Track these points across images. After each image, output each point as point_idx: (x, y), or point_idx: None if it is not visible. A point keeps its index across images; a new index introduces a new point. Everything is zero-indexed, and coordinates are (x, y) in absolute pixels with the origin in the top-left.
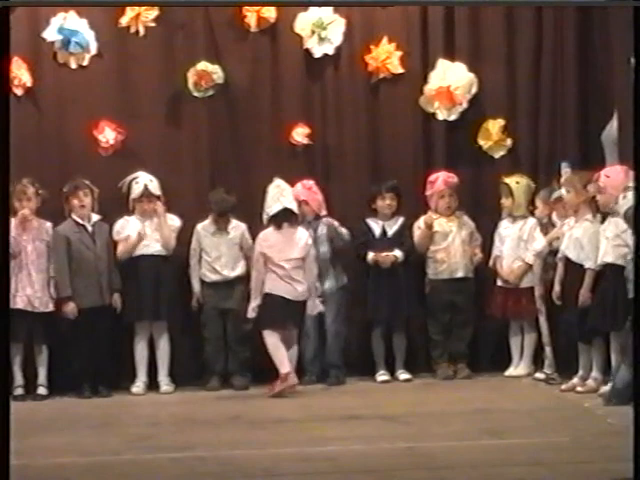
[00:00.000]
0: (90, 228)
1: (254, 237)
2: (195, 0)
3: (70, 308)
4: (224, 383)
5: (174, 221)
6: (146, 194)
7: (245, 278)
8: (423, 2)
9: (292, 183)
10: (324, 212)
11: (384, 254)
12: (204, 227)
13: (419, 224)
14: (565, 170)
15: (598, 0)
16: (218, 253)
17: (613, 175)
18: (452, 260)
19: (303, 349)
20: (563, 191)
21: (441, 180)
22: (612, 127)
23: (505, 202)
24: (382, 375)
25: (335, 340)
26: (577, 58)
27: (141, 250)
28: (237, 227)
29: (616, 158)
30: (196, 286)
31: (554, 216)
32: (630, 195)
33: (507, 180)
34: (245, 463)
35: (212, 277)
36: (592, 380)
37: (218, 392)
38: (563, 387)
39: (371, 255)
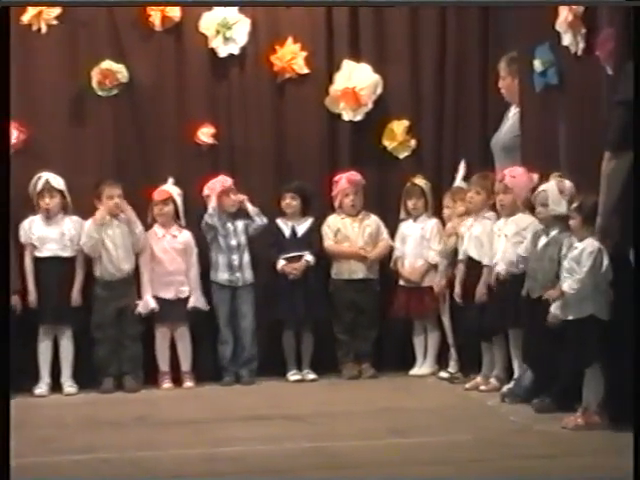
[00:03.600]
0: None
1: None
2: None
3: None
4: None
5: (75, 222)
6: (47, 187)
7: (137, 275)
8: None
9: (197, 183)
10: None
11: (295, 264)
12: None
13: (328, 224)
14: (461, 166)
15: (598, 0)
16: (114, 248)
17: (518, 176)
18: (352, 261)
19: (220, 349)
20: (466, 188)
21: (345, 179)
22: (501, 132)
23: (418, 203)
24: (294, 375)
25: (250, 339)
26: (480, 59)
27: (42, 252)
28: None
29: (504, 164)
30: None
31: (445, 214)
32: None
33: (417, 181)
34: (150, 464)
35: (108, 274)
36: (495, 379)
37: (124, 393)
38: (467, 386)
39: (281, 264)
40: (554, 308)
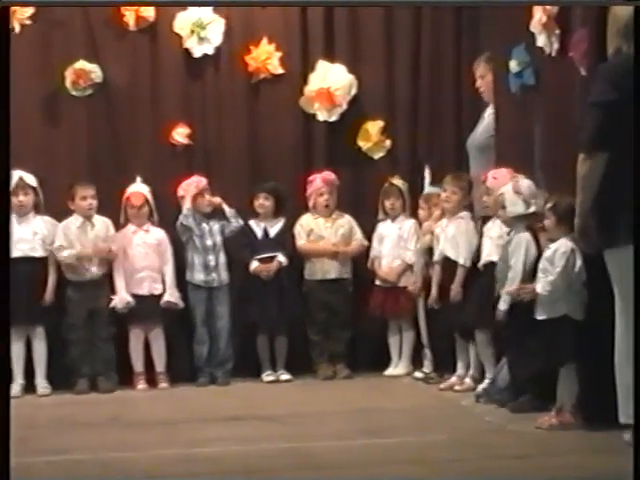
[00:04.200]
0: None
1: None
2: None
3: None
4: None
5: (47, 223)
6: (21, 185)
7: (109, 275)
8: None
9: (172, 183)
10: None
11: (267, 265)
12: (69, 223)
13: (300, 223)
14: (426, 172)
15: (598, 0)
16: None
17: (501, 177)
18: (325, 261)
19: (196, 349)
20: (438, 190)
21: (319, 179)
22: (477, 132)
23: (395, 203)
24: (269, 375)
25: (225, 340)
26: (454, 60)
27: (13, 252)
28: (102, 223)
29: (479, 165)
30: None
31: (420, 215)
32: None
33: (395, 181)
34: (125, 465)
35: (80, 275)
36: (470, 379)
37: (98, 394)
38: (441, 386)
39: (254, 265)
40: (501, 305)
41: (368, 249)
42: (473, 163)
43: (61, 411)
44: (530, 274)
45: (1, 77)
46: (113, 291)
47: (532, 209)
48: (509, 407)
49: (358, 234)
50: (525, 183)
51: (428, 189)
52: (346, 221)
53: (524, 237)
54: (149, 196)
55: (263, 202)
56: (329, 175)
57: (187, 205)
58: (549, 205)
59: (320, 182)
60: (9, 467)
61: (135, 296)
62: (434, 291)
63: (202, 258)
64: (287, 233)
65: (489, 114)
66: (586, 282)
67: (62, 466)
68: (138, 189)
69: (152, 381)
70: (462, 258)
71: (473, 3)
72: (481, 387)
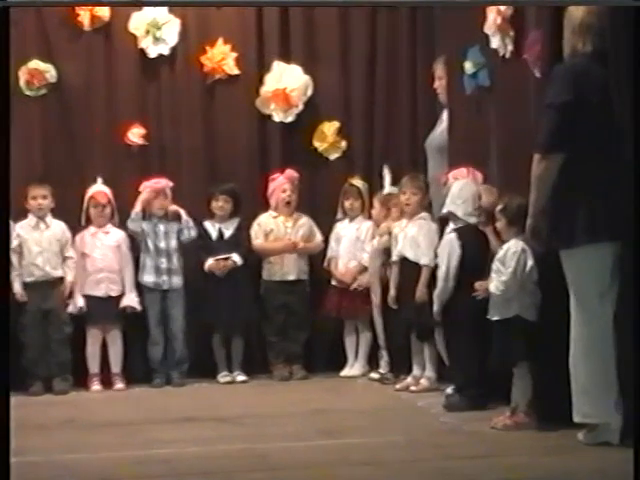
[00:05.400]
0: None
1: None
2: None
3: None
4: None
5: None
6: None
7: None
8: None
9: (128, 184)
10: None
11: (222, 263)
12: (25, 223)
13: (258, 222)
14: (386, 172)
15: (601, 0)
16: (39, 249)
17: (461, 177)
18: (284, 262)
19: (151, 351)
20: (397, 193)
21: (282, 176)
22: (436, 133)
23: (354, 204)
24: (225, 376)
25: (180, 341)
26: (410, 60)
27: None
28: (57, 225)
29: (439, 165)
30: (16, 286)
31: (374, 216)
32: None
33: (355, 182)
34: (79, 467)
35: (33, 276)
36: (425, 379)
37: (53, 396)
38: (397, 387)
39: (208, 263)
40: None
41: (325, 249)
42: (432, 163)
43: (15, 413)
44: (455, 276)
45: (1, 77)
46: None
47: (467, 216)
48: (443, 404)
49: (318, 235)
50: (472, 188)
51: (389, 189)
52: (306, 221)
53: (448, 238)
54: (111, 196)
55: (223, 205)
56: (292, 172)
57: (136, 210)
58: (499, 207)
59: (283, 179)
60: (9, 467)
61: (93, 297)
62: (392, 291)
63: (153, 261)
64: (242, 234)
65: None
66: (539, 282)
67: (16, 469)
68: (101, 189)
69: (107, 382)
70: (426, 259)
71: (454, 4)
72: (448, 390)
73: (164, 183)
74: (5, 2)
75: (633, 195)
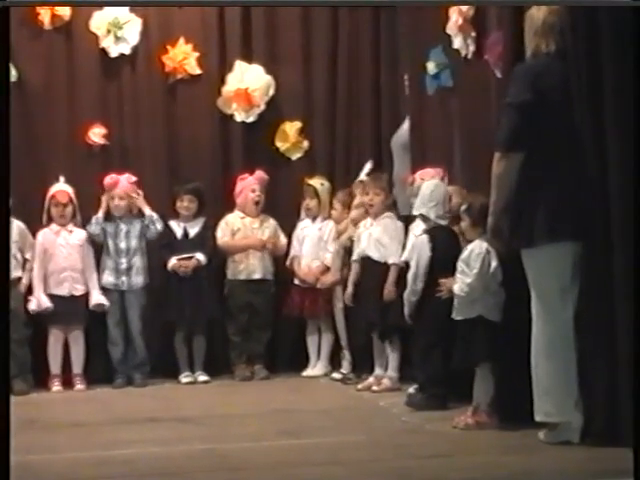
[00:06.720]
0: None
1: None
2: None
3: None
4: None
5: None
6: None
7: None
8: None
9: (89, 184)
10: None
11: (185, 261)
12: None
13: (226, 221)
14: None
15: (600, 0)
16: None
17: (427, 177)
18: (250, 261)
19: (111, 351)
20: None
21: (253, 177)
22: (402, 131)
23: (310, 203)
24: (186, 377)
25: (141, 340)
26: (372, 60)
27: None
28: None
29: (404, 163)
30: None
31: (333, 215)
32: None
33: (312, 182)
34: (39, 468)
35: None
36: (387, 379)
37: (13, 396)
38: (359, 387)
39: (172, 262)
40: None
41: (287, 248)
42: (397, 162)
43: None
44: (424, 277)
45: (1, 77)
46: (30, 292)
47: (439, 219)
48: (405, 402)
49: (282, 237)
50: (443, 190)
51: (362, 177)
52: (271, 223)
53: (420, 240)
54: (73, 195)
55: (188, 204)
56: (262, 174)
57: (99, 214)
58: (463, 207)
59: (253, 179)
60: (9, 467)
61: (56, 297)
62: (350, 289)
63: (113, 261)
64: (206, 233)
65: None
66: (502, 283)
67: None
68: (63, 188)
69: (68, 383)
70: (394, 258)
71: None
72: (412, 393)
73: (125, 183)
74: (5, 2)
75: (633, 195)
